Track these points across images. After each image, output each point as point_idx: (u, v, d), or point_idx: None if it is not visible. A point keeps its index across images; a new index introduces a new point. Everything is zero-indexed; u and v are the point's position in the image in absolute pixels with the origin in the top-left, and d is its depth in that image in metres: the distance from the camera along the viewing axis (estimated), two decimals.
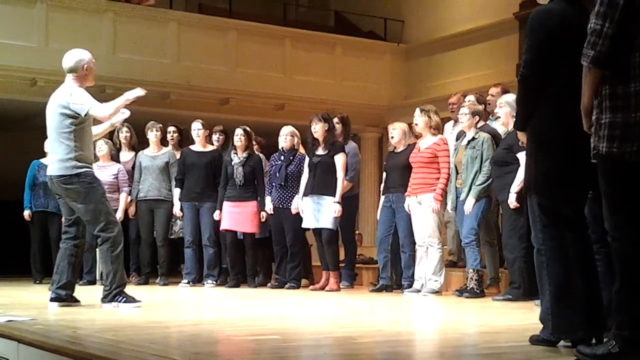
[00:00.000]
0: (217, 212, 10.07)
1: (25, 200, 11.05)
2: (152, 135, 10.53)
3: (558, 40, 3.99)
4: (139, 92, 6.56)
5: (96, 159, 9.76)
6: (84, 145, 6.50)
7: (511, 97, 7.48)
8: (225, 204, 10.01)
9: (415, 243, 8.93)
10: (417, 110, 8.86)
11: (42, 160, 11.04)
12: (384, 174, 9.41)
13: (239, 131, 10.07)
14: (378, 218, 9.37)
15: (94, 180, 6.54)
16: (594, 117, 3.55)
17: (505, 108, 7.69)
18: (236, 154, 10.02)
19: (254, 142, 10.33)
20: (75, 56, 6.64)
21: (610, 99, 3.48)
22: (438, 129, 8.84)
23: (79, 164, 6.44)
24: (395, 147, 9.26)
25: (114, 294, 6.45)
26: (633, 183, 3.45)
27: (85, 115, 6.39)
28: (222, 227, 10.02)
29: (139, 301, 6.52)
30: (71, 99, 6.41)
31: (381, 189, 9.45)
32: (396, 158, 9.17)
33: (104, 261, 6.58)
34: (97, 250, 6.65)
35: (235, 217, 9.96)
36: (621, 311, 3.48)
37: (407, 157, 8.97)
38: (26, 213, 11.04)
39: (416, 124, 8.85)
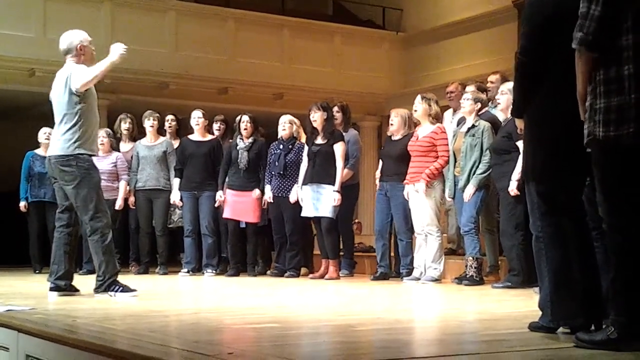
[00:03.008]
0: (219, 193, 10.05)
1: (21, 192, 11.10)
2: (149, 124, 10.52)
3: (555, 26, 3.97)
4: (119, 50, 6.45)
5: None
6: (88, 132, 6.49)
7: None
8: (228, 192, 10.02)
9: (411, 230, 8.95)
10: (419, 97, 8.88)
11: (36, 151, 11.07)
12: (380, 161, 9.44)
13: (245, 118, 10.08)
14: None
15: (92, 167, 6.52)
16: (588, 103, 3.54)
17: (507, 95, 7.69)
18: (242, 139, 10.02)
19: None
20: (67, 37, 6.64)
21: (605, 84, 3.47)
22: (437, 119, 8.85)
23: (80, 148, 6.43)
24: (392, 134, 9.27)
25: (108, 284, 6.45)
26: (629, 167, 3.45)
27: (79, 90, 6.37)
28: (225, 215, 10.03)
29: (135, 290, 6.52)
30: (70, 76, 6.41)
31: (377, 176, 9.46)
32: (392, 146, 9.19)
33: (94, 252, 6.51)
34: (88, 240, 6.60)
35: (238, 206, 9.97)
36: (619, 297, 3.48)
37: (403, 145, 8.98)
38: (22, 204, 11.08)
39: (415, 111, 8.86)
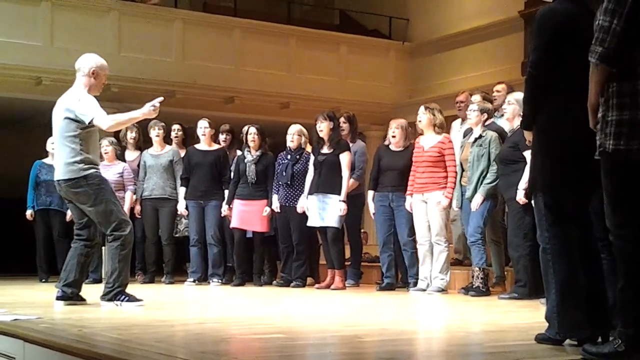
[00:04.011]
0: (225, 207, 10.07)
1: (28, 200, 11.11)
2: (154, 134, 10.54)
3: (564, 39, 3.99)
4: (148, 108, 6.49)
5: (101, 159, 9.77)
6: (90, 148, 6.50)
7: (520, 95, 7.47)
8: (236, 202, 10.03)
9: (415, 241, 8.94)
10: (422, 108, 8.89)
11: (44, 160, 11.09)
12: (374, 170, 9.36)
13: (252, 130, 10.07)
14: (373, 216, 9.36)
15: (102, 181, 6.54)
16: (600, 114, 3.55)
17: (513, 105, 7.68)
18: (249, 152, 10.03)
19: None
20: (85, 58, 6.67)
21: (617, 97, 3.48)
22: (442, 128, 8.84)
23: (85, 165, 6.43)
24: (390, 144, 9.25)
25: (115, 293, 6.45)
26: (637, 180, 3.45)
27: (89, 123, 6.39)
28: (232, 225, 10.04)
29: (141, 300, 6.52)
30: (78, 105, 6.40)
31: (370, 184, 9.40)
32: (395, 157, 9.16)
33: (110, 258, 6.55)
34: (105, 247, 6.62)
35: (246, 215, 9.97)
36: (626, 309, 3.48)
37: (407, 157, 8.97)
38: (28, 212, 11.09)
39: (420, 121, 8.85)
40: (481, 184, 8.17)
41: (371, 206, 9.33)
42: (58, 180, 6.55)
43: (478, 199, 8.13)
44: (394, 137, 9.19)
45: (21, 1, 12.63)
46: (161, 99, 6.57)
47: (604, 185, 3.55)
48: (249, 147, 10.05)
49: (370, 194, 9.36)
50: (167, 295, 8.41)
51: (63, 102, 6.54)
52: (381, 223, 9.25)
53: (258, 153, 10.01)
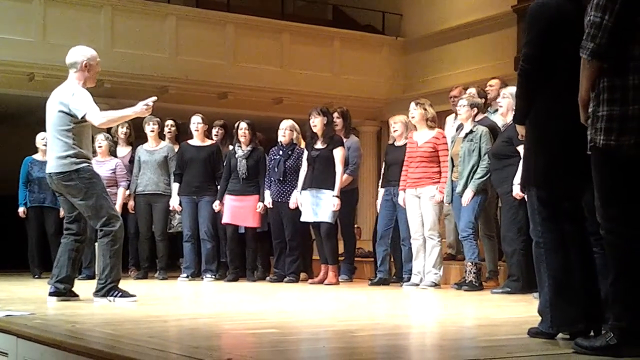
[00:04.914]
0: (217, 202, 10.07)
1: (19, 197, 11.06)
2: (149, 129, 10.52)
3: (557, 33, 3.99)
4: (140, 107, 6.48)
5: (95, 154, 9.75)
6: (82, 142, 6.49)
7: (515, 89, 7.47)
8: (227, 198, 10.02)
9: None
10: (412, 104, 8.91)
11: (34, 156, 11.05)
12: (383, 167, 9.45)
13: (242, 125, 10.07)
14: (378, 211, 9.40)
15: (94, 175, 6.52)
16: (591, 109, 3.56)
17: (508, 99, 7.67)
18: (240, 147, 10.02)
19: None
20: (75, 52, 6.63)
21: (608, 92, 3.48)
22: (434, 122, 8.86)
23: (77, 159, 6.41)
24: (395, 140, 9.29)
25: (108, 289, 6.44)
26: (628, 176, 3.46)
27: (82, 118, 6.38)
28: (224, 220, 10.04)
29: (134, 295, 6.51)
30: (72, 99, 6.39)
31: (380, 182, 9.49)
32: (397, 152, 9.18)
33: (102, 254, 6.53)
34: (97, 244, 6.60)
35: (237, 211, 9.97)
36: (617, 303, 3.49)
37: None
38: (20, 210, 11.04)
39: (412, 117, 8.86)
40: (472, 179, 8.18)
41: (379, 203, 9.35)
42: (50, 173, 6.54)
43: (469, 194, 8.15)
44: (395, 131, 9.22)
45: None
46: (154, 98, 6.56)
47: (595, 180, 3.55)
48: (239, 142, 10.05)
49: (381, 191, 9.38)
50: (160, 291, 8.40)
51: (57, 95, 6.53)
52: (383, 216, 9.27)
53: (249, 148, 10.00)
